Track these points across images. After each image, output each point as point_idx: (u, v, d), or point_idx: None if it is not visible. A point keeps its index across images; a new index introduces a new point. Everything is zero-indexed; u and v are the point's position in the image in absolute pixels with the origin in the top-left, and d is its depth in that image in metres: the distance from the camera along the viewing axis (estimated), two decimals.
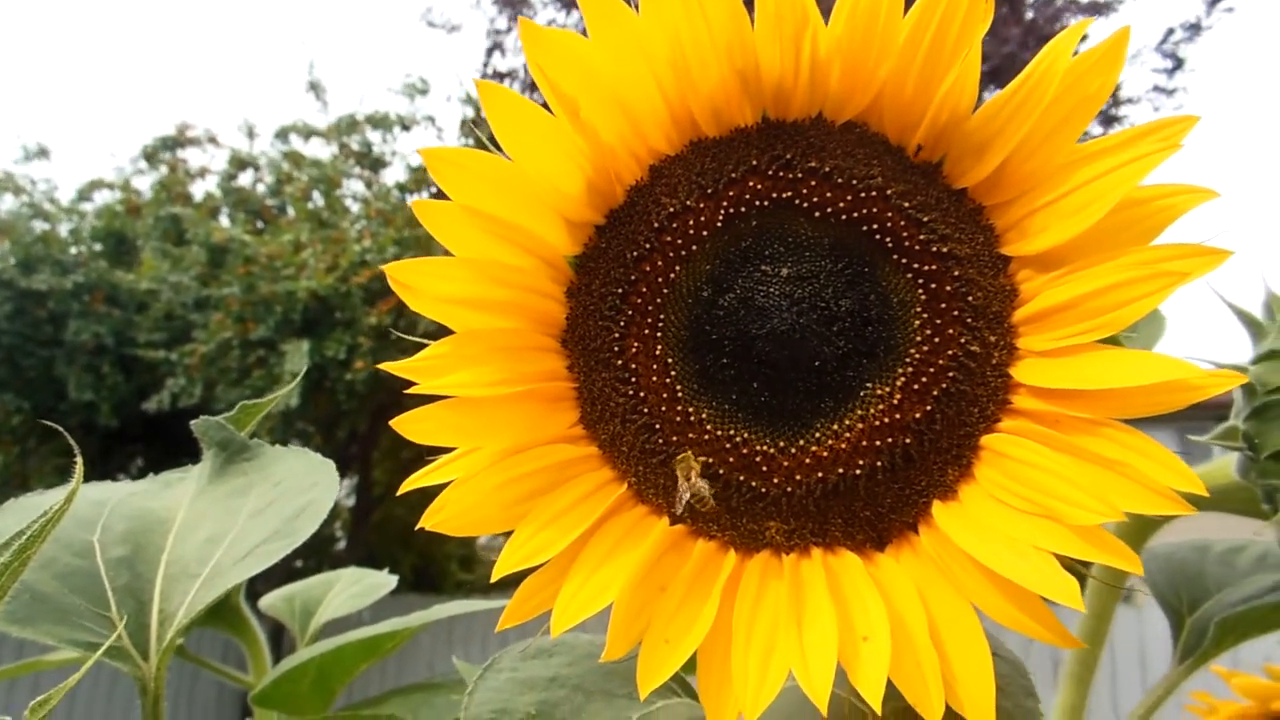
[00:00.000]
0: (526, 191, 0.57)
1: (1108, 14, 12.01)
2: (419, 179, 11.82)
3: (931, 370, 0.55)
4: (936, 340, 0.56)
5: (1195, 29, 12.79)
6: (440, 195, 0.58)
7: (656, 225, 0.59)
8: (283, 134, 12.63)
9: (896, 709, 0.49)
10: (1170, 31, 12.86)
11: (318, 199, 11.84)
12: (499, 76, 12.89)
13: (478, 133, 0.60)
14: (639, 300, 0.59)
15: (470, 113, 12.24)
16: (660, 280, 0.58)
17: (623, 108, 0.57)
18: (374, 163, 12.49)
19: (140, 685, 0.70)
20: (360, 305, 9.90)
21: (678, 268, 0.58)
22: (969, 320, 0.56)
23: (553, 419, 0.59)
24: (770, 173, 0.58)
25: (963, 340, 0.55)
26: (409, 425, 0.55)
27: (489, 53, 12.96)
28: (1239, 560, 0.96)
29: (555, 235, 0.59)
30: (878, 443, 0.55)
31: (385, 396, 10.17)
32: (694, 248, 0.58)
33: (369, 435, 10.83)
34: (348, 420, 10.24)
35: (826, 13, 0.55)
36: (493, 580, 0.53)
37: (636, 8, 0.55)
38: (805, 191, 0.57)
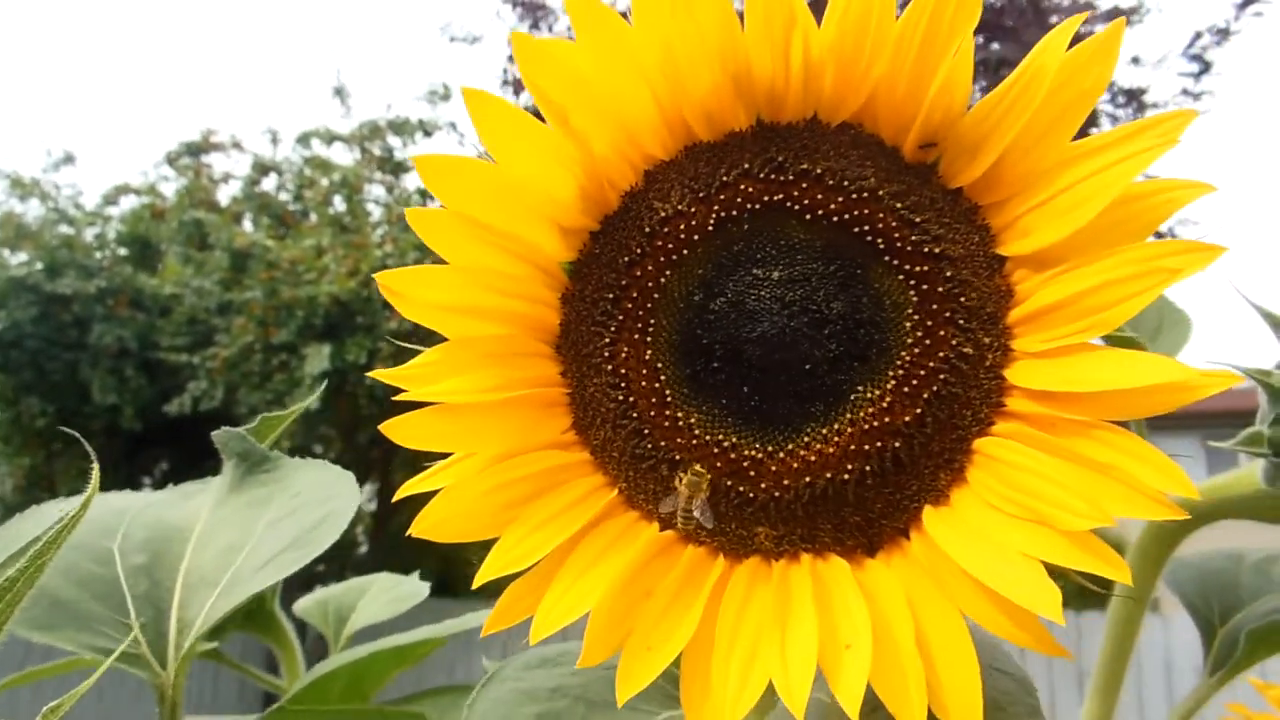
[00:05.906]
0: (519, 199, 0.57)
1: (1131, 20, 11.90)
2: None
3: (922, 372, 0.55)
4: (928, 342, 0.55)
5: (1224, 34, 12.64)
6: None
7: (648, 230, 0.58)
8: (305, 139, 12.75)
9: None
10: (1198, 35, 12.72)
11: (339, 204, 11.93)
12: (519, 84, 12.91)
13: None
14: (630, 305, 0.58)
15: None
16: (651, 285, 0.58)
17: (614, 114, 0.56)
18: (395, 168, 12.57)
19: (158, 693, 0.71)
20: (381, 310, 9.97)
21: (669, 272, 0.58)
22: (961, 321, 0.55)
23: (545, 425, 0.59)
24: (762, 175, 0.57)
25: (954, 342, 0.55)
26: (398, 430, 0.55)
27: (510, 59, 12.99)
28: (1275, 570, 0.92)
29: (549, 242, 0.59)
30: (866, 447, 0.55)
31: (408, 402, 10.21)
32: (685, 252, 0.58)
33: (391, 440, 10.86)
34: (369, 425, 10.30)
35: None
36: (474, 586, 0.53)
37: (628, 15, 0.54)
38: (797, 194, 0.57)
